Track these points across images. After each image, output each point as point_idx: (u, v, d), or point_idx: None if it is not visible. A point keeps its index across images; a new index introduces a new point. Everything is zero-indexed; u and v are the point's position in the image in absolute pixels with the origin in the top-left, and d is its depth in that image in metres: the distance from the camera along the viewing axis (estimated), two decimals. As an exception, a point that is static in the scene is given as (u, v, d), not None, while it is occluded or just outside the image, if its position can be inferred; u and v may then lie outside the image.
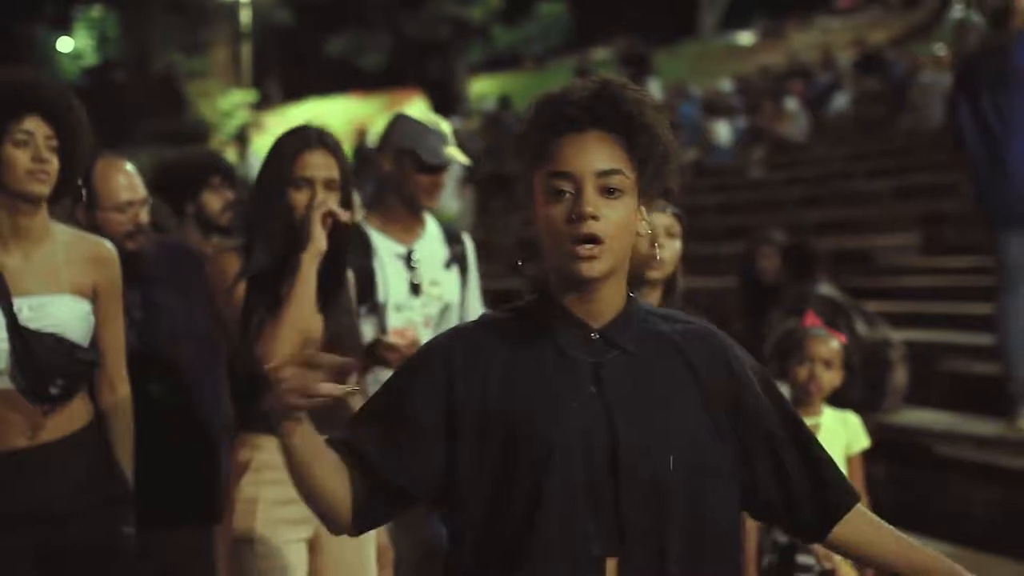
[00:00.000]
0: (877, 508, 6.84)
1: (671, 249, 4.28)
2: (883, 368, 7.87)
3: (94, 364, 3.78)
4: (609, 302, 2.40)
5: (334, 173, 3.77)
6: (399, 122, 4.91)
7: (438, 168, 4.80)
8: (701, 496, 2.35)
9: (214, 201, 5.45)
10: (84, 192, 4.33)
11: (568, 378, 2.36)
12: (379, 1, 40.27)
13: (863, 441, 4.92)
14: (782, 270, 8.75)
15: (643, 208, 2.40)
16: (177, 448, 4.54)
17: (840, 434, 4.87)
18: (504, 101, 27.29)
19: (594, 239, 2.28)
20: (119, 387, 3.95)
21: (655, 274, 4.22)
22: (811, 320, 4.99)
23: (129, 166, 4.56)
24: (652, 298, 4.25)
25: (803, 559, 4.65)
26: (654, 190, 2.42)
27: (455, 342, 2.45)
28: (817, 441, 2.56)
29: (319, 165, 3.76)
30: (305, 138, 3.81)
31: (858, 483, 4.82)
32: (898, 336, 8.70)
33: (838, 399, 7.28)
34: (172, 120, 42.00)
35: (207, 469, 4.68)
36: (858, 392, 7.68)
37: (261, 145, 39.02)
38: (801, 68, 25.22)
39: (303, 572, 3.81)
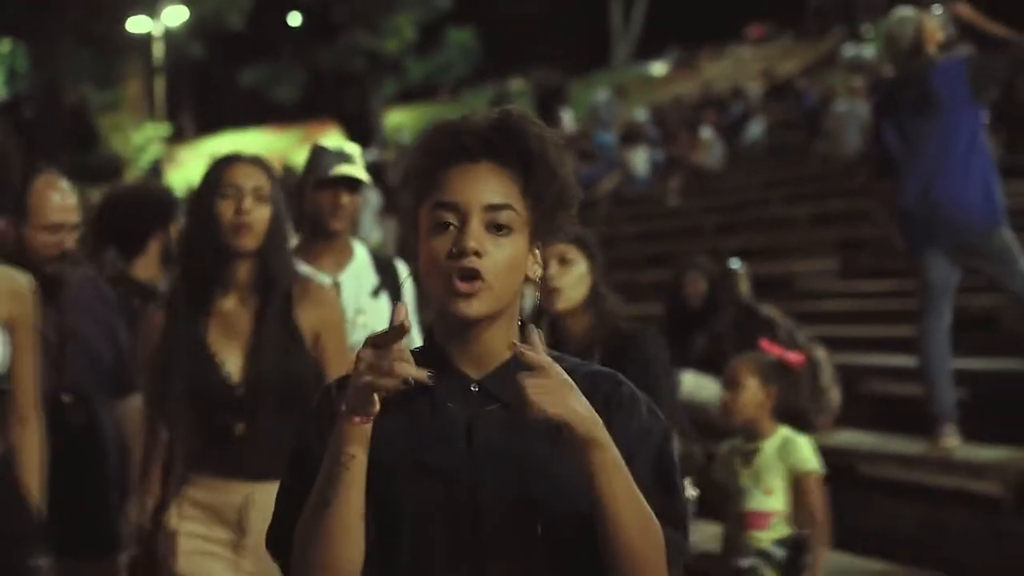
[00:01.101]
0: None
1: (569, 276, 4.32)
2: (818, 390, 8.00)
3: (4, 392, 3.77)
4: (493, 348, 2.21)
5: (263, 183, 3.79)
6: (309, 153, 5.01)
7: (332, 184, 4.82)
8: (576, 557, 2.17)
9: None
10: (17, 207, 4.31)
11: (440, 432, 2.19)
12: (293, 34, 40.22)
13: (808, 464, 4.99)
14: (708, 296, 8.88)
15: (535, 250, 2.22)
16: (78, 477, 4.49)
17: (778, 459, 4.95)
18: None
19: (474, 275, 2.10)
20: (31, 419, 3.87)
21: (562, 305, 4.28)
22: (765, 344, 5.11)
23: (66, 187, 4.51)
24: (580, 326, 4.31)
25: None
26: (548, 230, 2.24)
27: (339, 389, 2.24)
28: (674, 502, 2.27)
29: (247, 174, 3.79)
30: (235, 154, 3.87)
31: (808, 506, 4.92)
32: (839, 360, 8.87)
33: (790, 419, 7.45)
34: (85, 155, 41.61)
35: (108, 499, 4.65)
36: (825, 414, 7.86)
37: (176, 179, 38.90)
38: (714, 98, 25.54)
39: None
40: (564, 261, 4.35)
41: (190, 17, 39.74)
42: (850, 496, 7.30)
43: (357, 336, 4.82)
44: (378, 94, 41.21)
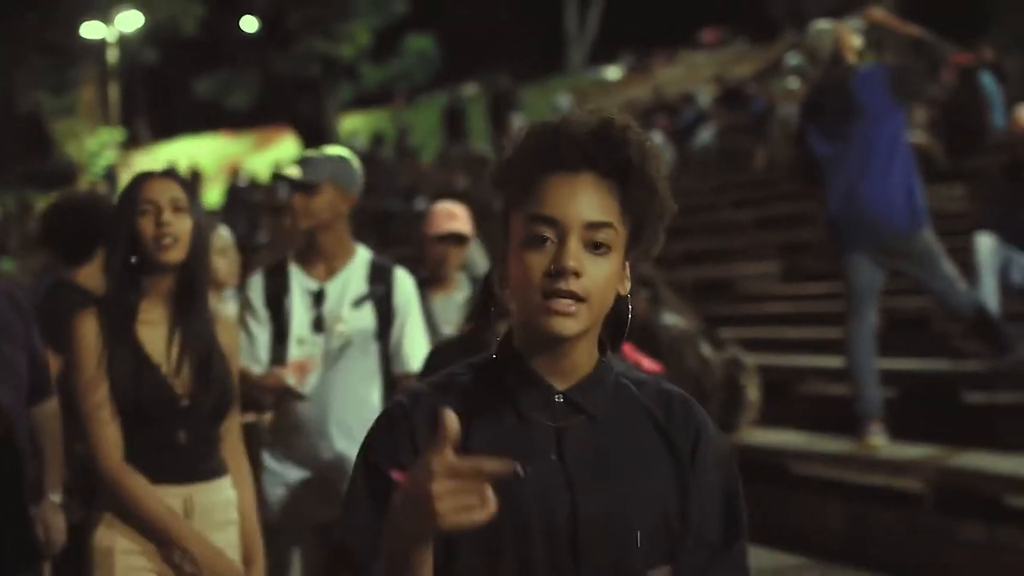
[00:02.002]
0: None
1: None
2: (735, 389, 8.16)
3: None
4: (578, 362, 2.13)
5: (180, 196, 3.85)
6: None
7: (291, 187, 4.94)
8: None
9: None
10: None
11: (527, 444, 2.09)
12: (248, 40, 40.14)
13: None
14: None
15: (628, 266, 2.13)
16: None
17: None
18: (378, 138, 27.47)
19: (574, 297, 2.01)
20: None
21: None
22: (625, 350, 5.23)
23: None
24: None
25: None
26: (643, 249, 2.14)
27: (413, 408, 2.15)
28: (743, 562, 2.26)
29: (163, 189, 3.84)
30: (150, 171, 3.97)
31: None
32: (757, 360, 9.01)
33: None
34: (39, 161, 41.49)
35: (23, 515, 4.66)
36: (713, 414, 7.97)
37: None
38: (665, 103, 25.70)
39: None
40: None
41: (144, 23, 39.58)
42: (780, 494, 7.47)
43: (333, 344, 4.93)
44: (333, 100, 41.13)
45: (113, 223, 3.91)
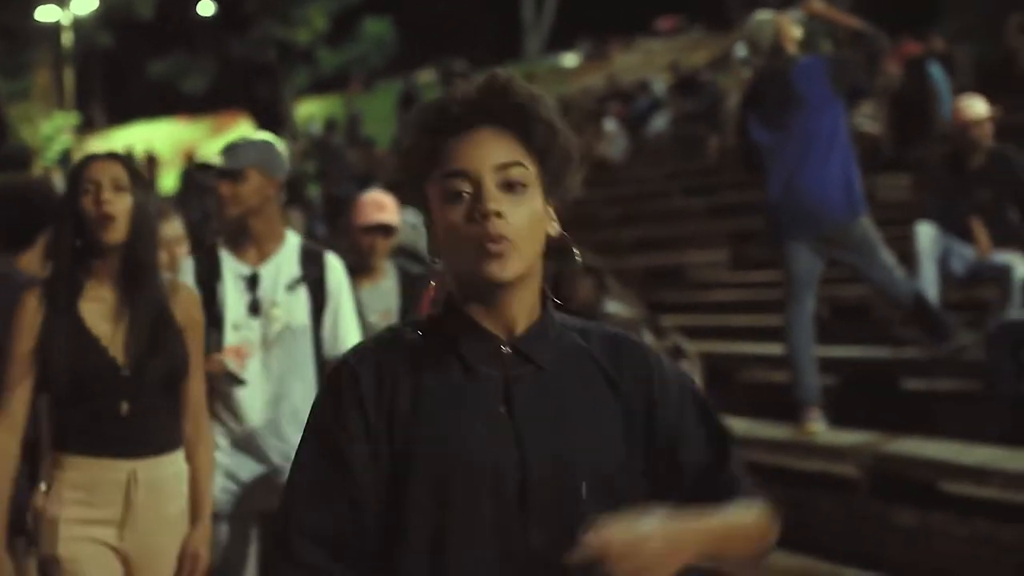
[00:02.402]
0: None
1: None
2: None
3: None
4: (521, 311, 2.14)
5: (120, 175, 3.92)
6: None
7: (217, 175, 4.96)
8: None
9: None
10: None
11: (476, 396, 2.11)
12: (203, 24, 40.00)
13: None
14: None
15: (549, 207, 2.16)
16: None
17: None
18: (331, 124, 27.39)
19: (501, 237, 2.03)
20: None
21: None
22: None
23: None
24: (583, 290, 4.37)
25: None
26: (558, 186, 2.18)
27: (360, 366, 2.16)
28: (733, 459, 2.32)
29: (103, 169, 3.93)
30: (94, 154, 4.04)
31: None
32: (703, 348, 9.08)
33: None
34: (-7, 144, 41.14)
35: None
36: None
37: (85, 169, 38.37)
38: (620, 90, 25.77)
39: None
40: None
41: (99, 7, 39.34)
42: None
43: (272, 328, 4.95)
44: (290, 84, 41.07)
45: (60, 205, 4.04)
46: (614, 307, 8.65)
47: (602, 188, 18.47)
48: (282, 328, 4.94)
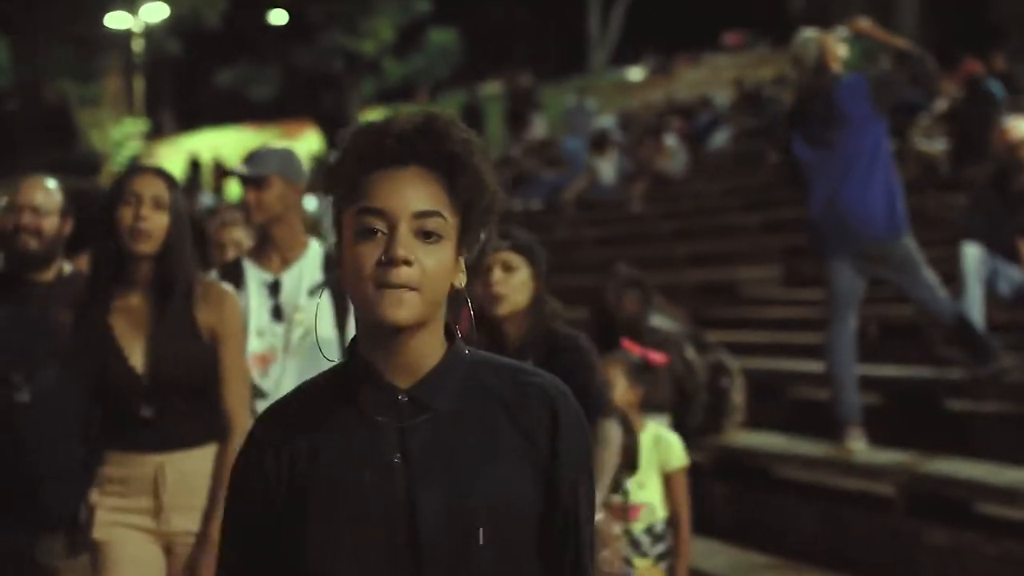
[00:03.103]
0: (713, 524, 7.31)
1: (511, 282, 4.46)
2: (718, 393, 8.27)
3: None
4: (421, 357, 2.15)
5: (162, 192, 4.09)
6: None
7: (243, 183, 5.06)
8: (518, 564, 2.16)
9: None
10: None
11: (370, 446, 2.12)
12: (270, 33, 40.35)
13: (680, 459, 5.24)
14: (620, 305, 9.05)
15: (462, 258, 2.17)
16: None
17: (652, 453, 5.19)
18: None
19: (404, 284, 2.04)
20: None
21: (503, 310, 4.44)
22: (626, 344, 5.36)
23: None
24: (518, 329, 4.48)
25: None
26: (474, 238, 2.19)
27: (267, 419, 2.23)
28: (587, 550, 2.27)
29: (148, 183, 4.12)
30: (141, 165, 4.23)
31: (680, 498, 5.18)
32: (752, 364, 9.13)
33: (677, 421, 7.73)
34: (64, 150, 41.67)
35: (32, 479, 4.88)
36: (696, 415, 8.11)
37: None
38: (681, 105, 25.76)
39: (156, 568, 4.18)
40: (507, 268, 4.46)
41: (169, 15, 39.77)
42: (759, 496, 7.59)
43: (295, 333, 5.05)
44: (355, 94, 41.35)
45: (102, 212, 4.17)
46: (658, 321, 8.72)
47: (660, 203, 18.52)
48: (304, 333, 5.03)
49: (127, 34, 40.26)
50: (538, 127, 27.69)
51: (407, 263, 2.04)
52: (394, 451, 2.11)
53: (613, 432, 4.65)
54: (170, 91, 51.05)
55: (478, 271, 4.40)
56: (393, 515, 2.08)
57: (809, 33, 7.86)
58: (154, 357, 4.11)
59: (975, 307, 7.93)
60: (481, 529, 2.09)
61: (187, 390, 4.17)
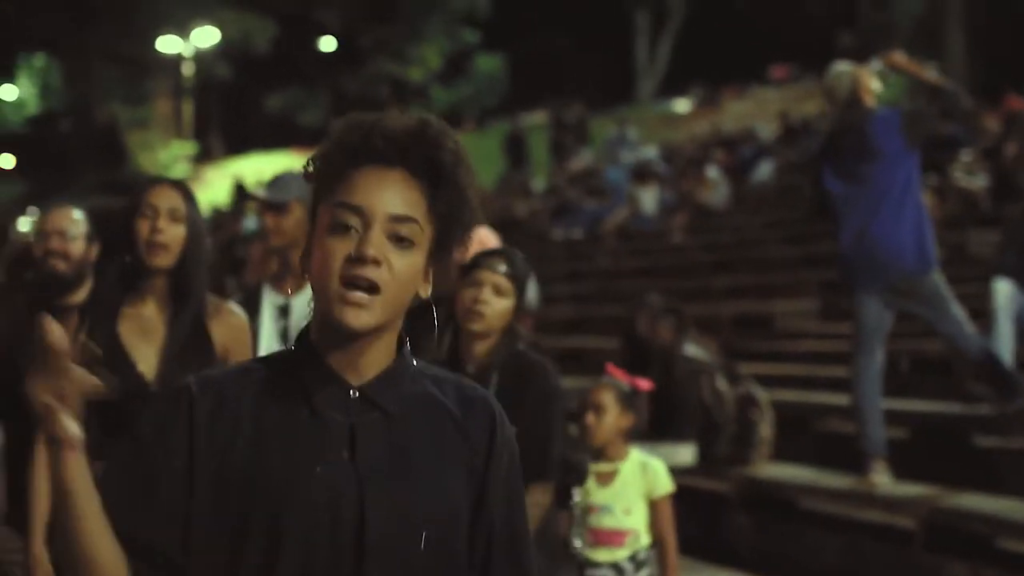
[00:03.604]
0: (737, 554, 7.33)
1: (496, 306, 4.49)
2: (746, 425, 8.31)
3: None
4: (374, 358, 2.14)
5: (179, 205, 4.14)
6: None
7: (263, 207, 5.15)
8: (455, 570, 2.17)
9: None
10: None
11: (319, 441, 2.10)
12: (319, 59, 40.68)
13: (666, 486, 5.27)
14: (654, 333, 9.11)
15: (429, 268, 2.16)
16: None
17: (639, 480, 5.23)
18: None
19: (371, 286, 2.04)
20: None
21: (477, 327, 4.47)
22: (610, 371, 5.42)
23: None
24: (483, 348, 4.52)
25: None
26: (446, 252, 2.18)
27: (201, 390, 2.14)
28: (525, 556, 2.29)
29: (165, 196, 4.14)
30: (159, 178, 4.28)
31: (666, 524, 5.21)
32: (782, 397, 9.16)
33: (704, 451, 7.77)
34: (113, 171, 42.12)
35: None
36: (723, 446, 8.15)
37: (201, 198, 39.18)
38: (725, 137, 25.78)
39: None
40: (498, 291, 4.48)
41: (219, 39, 40.14)
42: (784, 527, 7.61)
43: None
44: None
45: (118, 224, 4.22)
46: (692, 350, 8.78)
47: (701, 235, 18.54)
48: None
49: (177, 58, 40.63)
50: (583, 157, 27.75)
51: (376, 262, 2.04)
52: (343, 447, 2.10)
53: (543, 499, 4.67)
54: (219, 115, 51.46)
55: (468, 280, 4.46)
56: (341, 511, 2.07)
57: (843, 67, 7.90)
58: (166, 366, 4.10)
59: (1005, 343, 7.95)
60: (424, 533, 2.09)
61: None
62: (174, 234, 4.11)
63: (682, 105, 43.36)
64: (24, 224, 23.50)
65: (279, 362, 2.21)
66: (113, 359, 4.06)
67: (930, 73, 7.78)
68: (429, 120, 2.14)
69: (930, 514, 6.83)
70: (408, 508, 2.10)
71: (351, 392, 2.13)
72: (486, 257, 4.53)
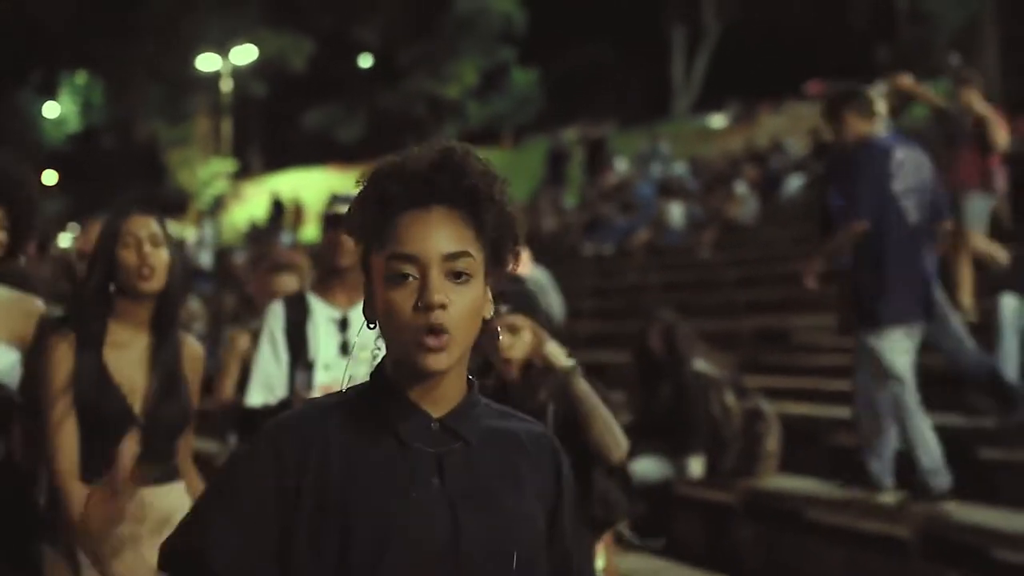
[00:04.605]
0: (742, 564, 7.45)
1: (517, 346, 4.63)
2: (752, 439, 8.45)
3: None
4: (450, 391, 2.21)
5: (157, 231, 4.27)
6: None
7: (333, 223, 5.27)
8: None
9: None
10: None
11: (409, 469, 2.15)
12: (358, 76, 40.94)
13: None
14: (665, 348, 9.24)
15: (489, 288, 2.21)
16: None
17: None
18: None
19: (442, 330, 2.08)
20: None
21: (516, 371, 4.64)
22: None
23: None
24: (518, 374, 4.66)
25: None
26: (501, 269, 2.22)
27: (284, 430, 2.22)
28: None
29: (142, 224, 4.26)
30: (130, 207, 4.42)
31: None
32: (794, 410, 9.29)
33: (711, 463, 7.91)
34: (153, 187, 42.50)
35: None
36: (729, 459, 8.29)
37: (239, 213, 39.62)
38: (756, 153, 25.85)
39: None
40: (513, 330, 4.61)
41: (256, 57, 40.44)
42: (788, 537, 7.75)
43: (361, 370, 5.23)
44: (438, 137, 41.75)
45: (94, 252, 4.33)
46: (700, 365, 8.94)
47: (728, 250, 18.61)
48: (367, 370, 5.20)
49: (216, 76, 40.97)
50: (619, 171, 27.87)
51: (443, 307, 2.07)
52: (432, 474, 2.16)
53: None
54: (257, 132, 51.79)
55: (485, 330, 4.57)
56: (439, 534, 2.12)
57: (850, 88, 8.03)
58: (152, 396, 4.20)
59: (1009, 358, 8.04)
60: (516, 553, 2.16)
61: (176, 431, 4.31)
62: (160, 259, 4.22)
63: (718, 120, 43.41)
64: (64, 240, 23.85)
65: (356, 396, 2.28)
66: (102, 388, 4.16)
67: (935, 97, 7.87)
68: (451, 148, 2.16)
69: (927, 524, 6.95)
70: (498, 531, 2.16)
71: (433, 424, 2.19)
72: None
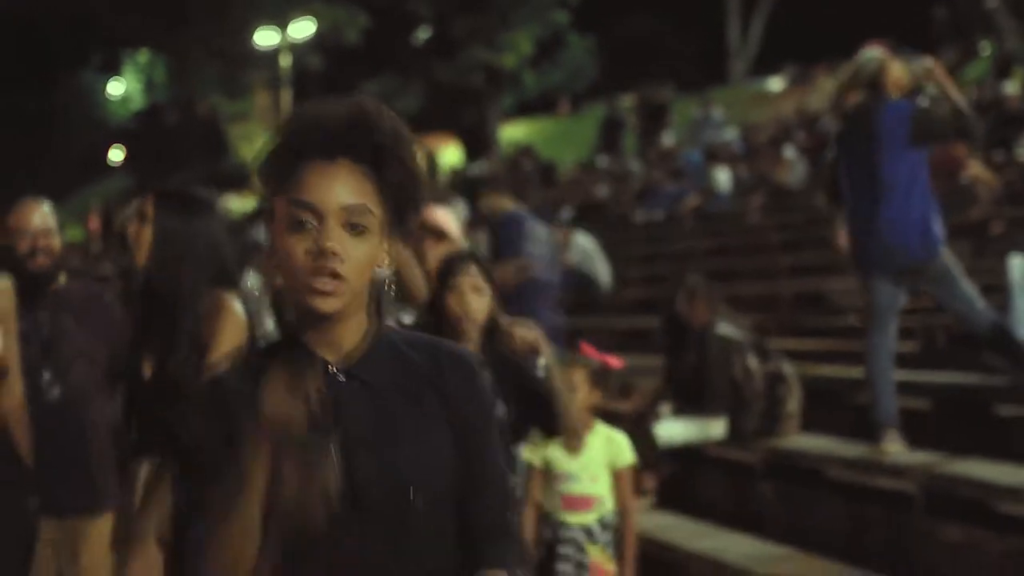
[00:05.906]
0: (763, 521, 7.70)
1: (479, 303, 4.87)
2: (774, 400, 8.69)
3: None
4: (347, 334, 2.30)
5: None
6: None
7: None
8: (446, 526, 2.32)
9: None
10: None
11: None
12: (413, 48, 41.10)
13: (627, 458, 5.79)
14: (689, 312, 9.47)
15: (387, 244, 2.30)
16: (59, 444, 5.31)
17: (603, 452, 5.73)
18: (524, 149, 28.19)
19: (334, 275, 2.18)
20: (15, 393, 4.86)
21: (469, 327, 4.86)
22: (584, 350, 5.88)
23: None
24: (470, 346, 4.82)
25: (563, 550, 5.58)
26: (401, 228, 2.33)
27: (212, 385, 2.35)
28: (505, 504, 2.45)
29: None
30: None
31: (627, 491, 5.71)
32: (822, 372, 9.53)
33: (733, 425, 8.18)
34: (216, 162, 42.90)
35: (88, 465, 5.41)
36: (751, 421, 8.55)
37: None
38: (808, 117, 25.85)
39: None
40: (478, 291, 4.86)
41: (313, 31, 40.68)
42: (804, 493, 8.01)
43: None
44: (495, 108, 41.93)
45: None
46: (724, 328, 9.19)
47: (776, 214, 18.68)
48: None
49: (274, 50, 41.27)
50: (667, 138, 27.96)
51: (335, 254, 2.18)
52: (328, 419, 2.22)
53: None
54: (316, 105, 51.89)
55: (447, 288, 4.87)
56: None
57: (872, 52, 8.17)
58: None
59: (1020, 318, 8.20)
60: (412, 488, 2.23)
61: None
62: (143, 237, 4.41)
63: (775, 84, 43.14)
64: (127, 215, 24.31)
65: (268, 351, 2.35)
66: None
67: (957, 93, 7.91)
68: (364, 104, 2.28)
69: (929, 480, 7.16)
70: (398, 471, 2.24)
71: (330, 368, 2.29)
72: (456, 263, 4.94)
